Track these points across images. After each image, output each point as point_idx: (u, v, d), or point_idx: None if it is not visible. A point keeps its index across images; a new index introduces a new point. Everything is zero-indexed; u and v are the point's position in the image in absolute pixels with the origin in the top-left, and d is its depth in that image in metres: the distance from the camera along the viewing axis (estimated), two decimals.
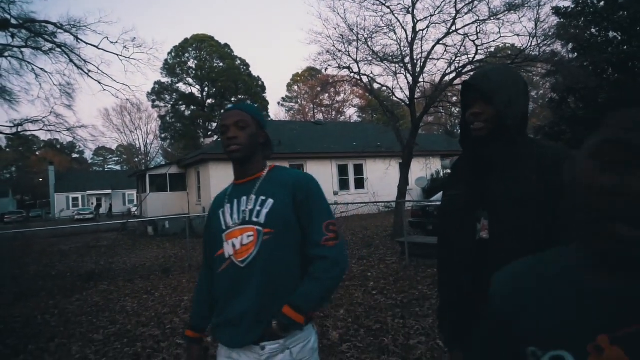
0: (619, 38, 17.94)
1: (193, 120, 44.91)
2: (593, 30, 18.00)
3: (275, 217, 1.51)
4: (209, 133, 43.57)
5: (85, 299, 6.69)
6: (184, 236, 12.09)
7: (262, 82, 46.39)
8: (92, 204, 47.16)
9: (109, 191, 49.07)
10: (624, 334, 0.52)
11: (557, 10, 18.09)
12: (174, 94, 45.19)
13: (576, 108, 18.47)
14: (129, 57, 17.50)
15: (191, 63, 43.89)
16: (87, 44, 16.94)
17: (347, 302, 5.41)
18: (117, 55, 17.33)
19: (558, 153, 1.23)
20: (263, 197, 1.56)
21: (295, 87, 57.65)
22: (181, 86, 45.15)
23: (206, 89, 44.59)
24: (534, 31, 9.49)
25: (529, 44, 9.68)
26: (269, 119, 37.32)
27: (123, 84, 24.10)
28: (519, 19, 11.04)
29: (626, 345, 0.51)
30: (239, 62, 45.02)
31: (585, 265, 0.61)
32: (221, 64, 43.45)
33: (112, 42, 17.23)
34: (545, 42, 9.95)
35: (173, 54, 43.76)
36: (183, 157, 24.29)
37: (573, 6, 18.96)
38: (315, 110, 54.28)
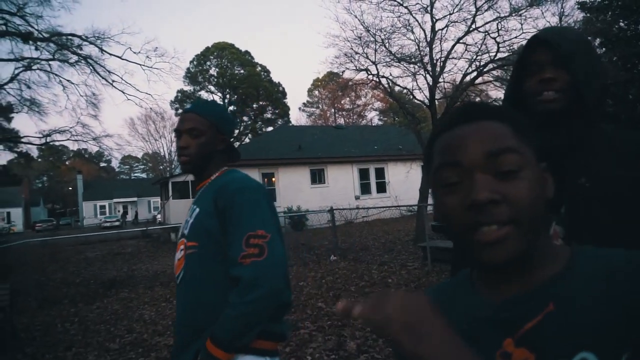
0: None
1: None
2: (622, 23, 17.38)
3: (197, 229, 1.37)
4: (232, 140, 43.93)
5: (106, 307, 6.71)
6: None
7: (283, 88, 46.62)
8: (119, 211, 48.18)
9: (135, 199, 50.03)
10: (524, 333, 0.55)
11: (582, 5, 17.57)
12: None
13: (606, 105, 17.86)
14: (151, 67, 17.77)
15: (212, 71, 44.45)
16: (110, 54, 17.31)
17: None
18: (140, 65, 17.62)
19: None
20: (194, 207, 1.43)
21: (316, 92, 57.73)
22: (203, 94, 45.76)
23: (227, 96, 45.06)
24: (559, 25, 9.16)
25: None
26: (290, 125, 37.48)
27: (146, 93, 24.70)
28: (542, 13, 10.73)
29: (528, 343, 0.55)
30: (259, 68, 45.38)
31: (476, 276, 0.66)
32: (242, 71, 43.87)
33: (135, 52, 17.36)
34: None
35: (195, 62, 44.42)
36: None
37: (600, 0, 18.39)
38: (337, 115, 54.17)
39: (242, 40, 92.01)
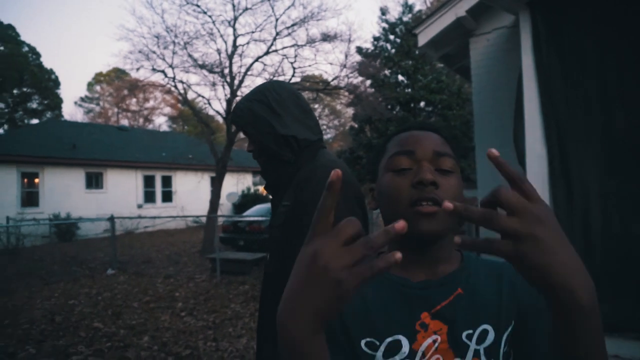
0: (405, 82, 21.19)
1: None
2: (387, 71, 20.87)
3: None
4: None
5: None
6: None
7: (56, 77, 40.34)
8: None
9: None
10: (439, 309, 0.69)
11: (359, 50, 20.51)
12: None
13: (371, 137, 21.02)
14: None
15: None
16: None
17: (151, 327, 4.85)
18: None
19: (312, 171, 1.23)
20: None
21: (98, 88, 51.93)
22: None
23: None
24: (345, 62, 10.43)
25: (340, 73, 10.58)
26: (63, 119, 32.73)
27: None
28: (332, 49, 12.08)
29: (442, 317, 0.69)
30: (26, 48, 38.37)
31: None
32: (1, 48, 36.40)
33: None
34: (351, 74, 11.01)
35: None
36: None
37: (372, 48, 21.74)
38: (120, 115, 49.67)
39: (6, 12, 76.43)
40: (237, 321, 5.00)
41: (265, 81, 1.46)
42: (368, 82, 20.22)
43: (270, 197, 1.43)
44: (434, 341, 0.68)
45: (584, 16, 2.84)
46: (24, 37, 41.27)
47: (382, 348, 0.68)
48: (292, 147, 1.28)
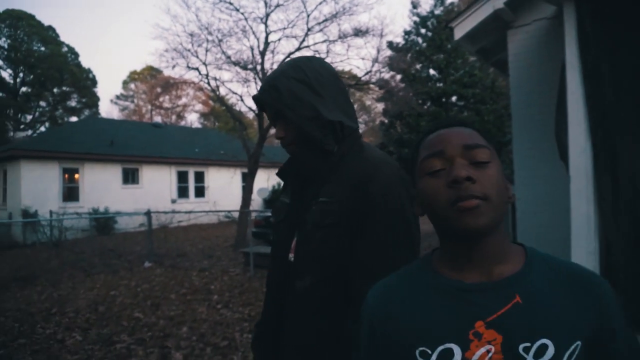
0: (437, 76, 20.88)
1: (1, 110, 37.97)
2: (418, 66, 20.62)
3: None
4: (22, 126, 37.35)
5: None
6: None
7: (94, 76, 41.63)
8: None
9: None
10: (494, 318, 0.66)
11: (390, 44, 20.31)
12: None
13: (402, 132, 20.83)
14: None
15: (2, 42, 37.23)
16: None
17: (189, 318, 4.99)
18: None
19: (375, 168, 1.08)
20: None
21: (133, 86, 53.29)
22: None
23: (21, 74, 38.21)
24: (377, 56, 10.38)
25: (372, 68, 10.53)
26: (100, 117, 33.73)
27: None
28: (364, 44, 12.02)
29: (497, 326, 0.66)
30: (66, 49, 39.76)
31: (444, 261, 0.76)
32: (43, 48, 37.80)
33: None
34: (383, 69, 10.94)
35: None
36: None
37: (403, 42, 21.50)
38: (154, 112, 50.89)
39: (45, 13, 79.42)
40: None
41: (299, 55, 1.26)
42: (399, 76, 20.04)
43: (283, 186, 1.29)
44: (488, 351, 0.65)
45: (635, 7, 2.74)
46: (63, 37, 42.76)
47: (434, 357, 0.67)
48: (336, 135, 1.11)
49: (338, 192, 1.06)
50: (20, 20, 37.46)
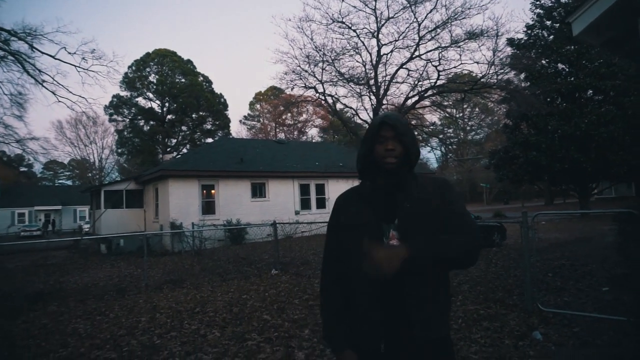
0: (567, 70, 19.06)
1: (152, 136, 43.84)
2: (544, 61, 19.07)
3: None
4: (168, 149, 42.61)
5: (33, 321, 6.26)
6: (140, 254, 11.66)
7: (225, 100, 46.08)
8: (40, 220, 44.68)
9: (59, 207, 46.73)
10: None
11: (511, 42, 19.11)
12: (133, 109, 44.09)
13: (528, 134, 19.37)
14: (87, 69, 16.96)
15: (152, 77, 43.06)
16: (42, 53, 16.37)
17: (311, 321, 5.32)
18: (75, 66, 16.75)
19: (445, 181, 1.70)
20: None
21: (258, 106, 57.56)
22: (141, 100, 44.14)
23: (167, 104, 43.77)
24: (492, 59, 9.94)
25: (488, 71, 10.11)
26: (231, 137, 37.02)
27: (79, 96, 23.16)
28: (479, 47, 11.58)
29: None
30: (201, 78, 44.59)
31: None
32: (183, 80, 42.89)
33: (70, 53, 16.46)
34: (502, 70, 10.42)
35: (134, 68, 42.86)
36: (141, 172, 23.56)
37: (526, 38, 20.06)
38: (277, 130, 54.30)
39: (185, 49, 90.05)
40: None
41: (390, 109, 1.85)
42: (522, 75, 18.75)
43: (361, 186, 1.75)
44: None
45: None
46: (199, 68, 47.90)
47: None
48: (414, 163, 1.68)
49: (425, 193, 1.60)
50: (165, 57, 42.87)
